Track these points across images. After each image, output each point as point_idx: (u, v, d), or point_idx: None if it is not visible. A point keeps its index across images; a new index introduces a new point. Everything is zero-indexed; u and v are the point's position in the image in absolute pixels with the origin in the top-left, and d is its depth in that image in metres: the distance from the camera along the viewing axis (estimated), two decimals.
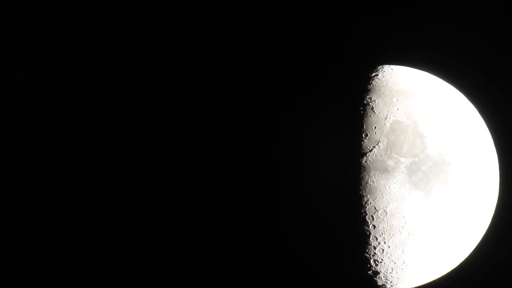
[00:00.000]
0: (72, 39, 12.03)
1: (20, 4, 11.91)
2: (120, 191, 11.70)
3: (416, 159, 8.80)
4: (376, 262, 9.13)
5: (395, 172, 8.77)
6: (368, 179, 8.76)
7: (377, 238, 8.92)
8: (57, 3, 11.94)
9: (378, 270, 9.23)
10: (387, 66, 9.78)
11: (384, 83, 9.41)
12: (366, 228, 8.87)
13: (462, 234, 9.27)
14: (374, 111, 9.03)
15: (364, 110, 9.05)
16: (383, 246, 8.96)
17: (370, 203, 8.79)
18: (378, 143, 8.85)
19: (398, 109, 9.06)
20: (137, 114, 11.83)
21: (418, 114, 9.05)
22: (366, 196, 8.78)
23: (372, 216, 8.82)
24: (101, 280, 11.76)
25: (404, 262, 9.12)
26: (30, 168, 11.86)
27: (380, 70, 9.68)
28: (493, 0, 11.55)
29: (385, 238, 8.90)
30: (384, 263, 9.12)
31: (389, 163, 8.78)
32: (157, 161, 11.63)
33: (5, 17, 11.93)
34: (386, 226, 8.84)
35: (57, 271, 11.76)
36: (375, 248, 8.99)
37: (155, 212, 11.64)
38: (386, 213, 8.80)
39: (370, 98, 9.17)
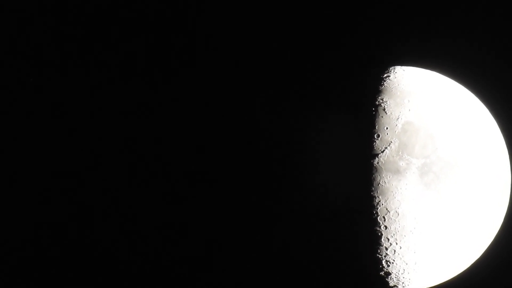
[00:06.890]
0: (82, 41, 12.08)
1: (30, 6, 11.97)
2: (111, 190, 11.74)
3: (428, 160, 8.80)
4: (388, 263, 9.13)
5: (406, 173, 8.78)
6: (380, 180, 8.77)
7: (389, 239, 8.92)
8: (67, 6, 12.00)
9: (390, 271, 9.24)
10: (399, 67, 9.78)
11: (396, 84, 9.41)
12: (378, 229, 8.88)
13: (474, 235, 9.27)
14: (385, 112, 9.04)
15: (376, 111, 9.05)
16: (395, 247, 8.96)
17: (382, 204, 8.79)
18: (389, 144, 8.85)
19: (409, 110, 9.06)
20: (137, 114, 11.86)
21: (430, 115, 9.05)
22: (378, 197, 8.78)
23: (383, 217, 8.82)
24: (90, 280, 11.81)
25: (416, 263, 9.12)
26: (35, 167, 11.91)
27: (392, 71, 9.68)
28: (507, 0, 11.54)
29: (397, 239, 8.91)
30: (396, 264, 9.12)
31: (400, 164, 8.79)
32: (156, 161, 11.65)
33: (17, 20, 11.98)
34: (398, 227, 8.85)
35: (52, 269, 11.80)
36: (386, 249, 8.99)
37: (154, 212, 11.67)
38: (398, 214, 8.80)
39: (382, 99, 9.17)
